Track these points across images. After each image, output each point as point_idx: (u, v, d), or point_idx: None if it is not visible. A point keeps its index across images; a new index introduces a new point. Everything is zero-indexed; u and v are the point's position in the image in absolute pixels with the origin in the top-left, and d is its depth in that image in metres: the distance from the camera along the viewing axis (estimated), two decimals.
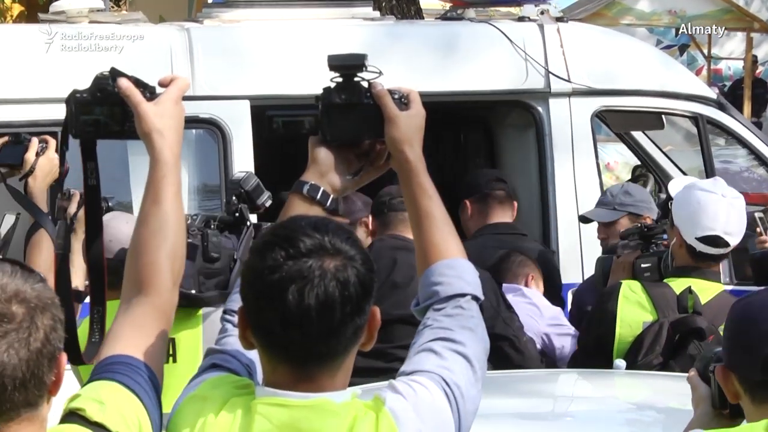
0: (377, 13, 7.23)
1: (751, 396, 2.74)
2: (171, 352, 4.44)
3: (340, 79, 2.80)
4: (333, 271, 2.39)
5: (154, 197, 2.64)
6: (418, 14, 9.93)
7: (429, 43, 6.82)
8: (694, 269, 4.59)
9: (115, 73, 2.69)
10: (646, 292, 4.55)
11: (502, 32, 6.67)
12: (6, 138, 4.04)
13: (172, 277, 2.63)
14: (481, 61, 6.67)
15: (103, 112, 2.71)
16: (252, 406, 2.43)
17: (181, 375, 4.64)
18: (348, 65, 2.81)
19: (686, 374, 3.98)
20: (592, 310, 4.71)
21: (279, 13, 6.74)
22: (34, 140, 3.99)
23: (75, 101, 2.73)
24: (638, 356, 4.44)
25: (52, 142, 3.94)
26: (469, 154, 7.66)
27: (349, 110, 2.80)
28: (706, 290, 4.54)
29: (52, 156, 3.95)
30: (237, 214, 4.62)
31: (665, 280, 4.61)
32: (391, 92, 2.77)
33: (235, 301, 2.67)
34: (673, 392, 4.04)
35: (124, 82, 2.67)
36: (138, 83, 2.67)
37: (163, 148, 2.65)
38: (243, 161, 6.24)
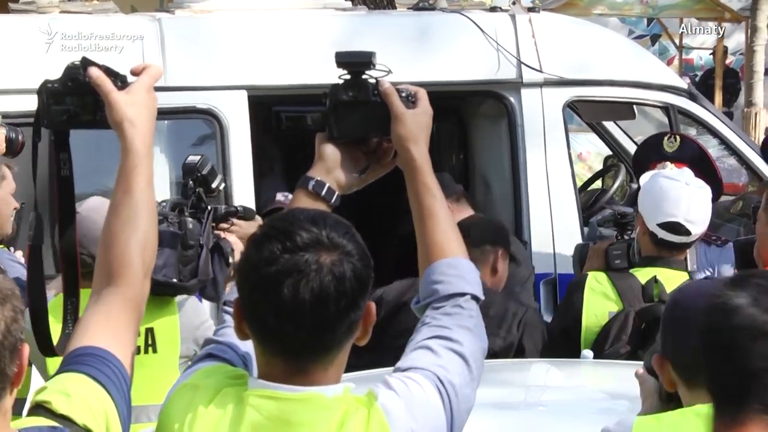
0: (349, 4, 7.25)
1: (684, 382, 2.78)
2: (150, 342, 4.43)
3: (347, 76, 2.79)
4: (329, 265, 2.39)
5: (125, 187, 2.63)
6: (391, 4, 9.92)
7: (401, 34, 6.82)
8: (659, 259, 4.64)
9: (86, 63, 2.68)
10: (611, 282, 4.59)
11: (473, 22, 6.68)
12: None
13: (143, 268, 2.62)
14: (453, 51, 6.68)
15: (75, 102, 2.70)
16: (244, 398, 2.43)
17: (162, 364, 4.66)
18: (356, 62, 2.81)
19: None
20: (561, 302, 4.73)
21: (251, 3, 6.74)
22: None
23: (46, 91, 2.72)
24: (605, 346, 4.47)
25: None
26: (442, 144, 7.65)
27: (356, 107, 2.80)
28: (671, 279, 4.57)
29: None
30: (194, 198, 4.66)
31: (631, 271, 4.65)
32: (398, 90, 2.77)
33: (234, 293, 2.65)
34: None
35: (94, 71, 2.66)
36: (109, 72, 2.66)
37: (134, 137, 2.64)
38: (235, 150, 6.31)
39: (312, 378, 2.42)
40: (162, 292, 4.20)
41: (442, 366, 2.54)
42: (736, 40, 18.79)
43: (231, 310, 2.66)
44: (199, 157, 4.72)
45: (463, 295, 2.66)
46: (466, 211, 6.16)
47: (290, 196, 5.42)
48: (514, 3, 7.07)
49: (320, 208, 2.73)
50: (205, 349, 2.66)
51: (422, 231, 2.77)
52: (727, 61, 18.89)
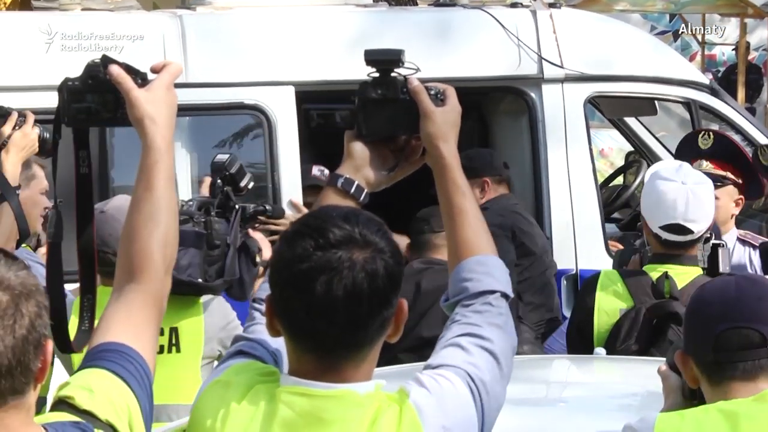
0: (370, 0, 7.22)
1: (707, 378, 2.78)
2: (174, 342, 4.42)
3: (376, 74, 2.79)
4: (362, 262, 2.38)
5: (146, 184, 2.64)
6: (412, 1, 9.92)
7: (422, 30, 6.81)
8: (670, 256, 4.62)
9: (106, 60, 2.68)
10: (622, 280, 4.59)
11: (495, 18, 6.67)
12: None
13: (164, 264, 2.62)
14: (473, 47, 6.67)
15: (95, 100, 2.71)
16: (276, 394, 2.43)
17: (185, 364, 4.66)
18: (385, 60, 2.81)
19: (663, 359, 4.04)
20: (575, 301, 4.73)
21: (272, 0, 6.74)
22: (14, 114, 3.99)
23: (67, 89, 2.73)
24: (617, 343, 4.47)
25: (31, 118, 3.93)
26: (463, 140, 7.59)
27: (385, 105, 2.80)
28: (682, 275, 4.57)
29: (28, 131, 3.94)
30: (222, 197, 4.61)
31: (644, 268, 4.64)
32: (427, 88, 2.77)
33: (265, 290, 2.67)
34: (657, 376, 4.09)
35: (115, 69, 2.66)
36: (129, 70, 2.67)
37: (155, 134, 2.65)
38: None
39: (344, 375, 2.43)
40: (186, 292, 4.19)
41: (473, 363, 2.54)
42: (758, 35, 18.71)
43: (260, 307, 2.66)
44: (227, 155, 4.68)
45: (492, 292, 2.65)
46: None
47: (326, 171, 5.42)
48: None
49: (349, 206, 2.74)
50: (235, 346, 2.65)
51: (452, 228, 2.76)
52: (750, 57, 18.80)
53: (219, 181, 4.58)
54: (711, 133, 5.98)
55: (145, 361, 2.49)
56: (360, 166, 2.81)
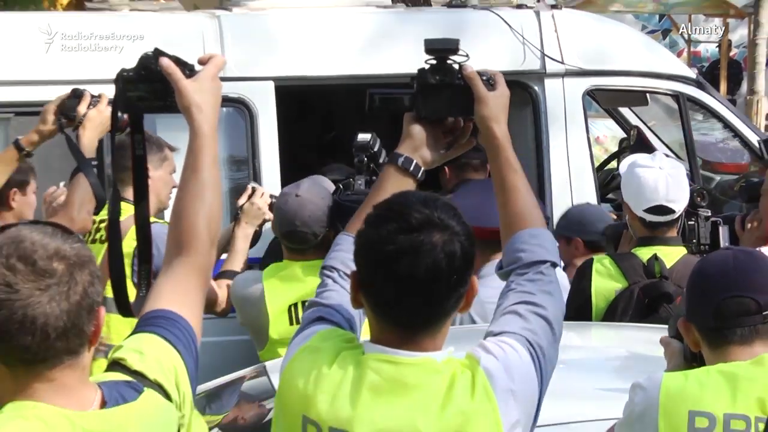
0: (389, 1, 7.21)
1: (707, 342, 2.79)
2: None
3: (433, 61, 2.77)
4: (441, 244, 2.38)
5: (193, 166, 2.64)
6: (426, 2, 9.90)
7: (436, 28, 6.74)
8: (655, 238, 4.59)
9: (158, 53, 2.69)
10: (615, 263, 4.57)
11: (502, 18, 6.64)
12: (68, 92, 4.04)
13: (209, 238, 2.63)
14: (482, 44, 6.62)
15: (147, 89, 2.72)
16: (363, 361, 2.43)
17: None
18: (443, 49, 2.79)
19: (659, 325, 4.05)
20: (571, 284, 4.70)
21: (301, 1, 6.73)
22: (87, 94, 3.98)
23: (122, 79, 2.74)
24: (613, 320, 4.45)
25: (105, 98, 3.93)
26: (474, 128, 7.62)
27: (442, 90, 2.78)
28: (669, 255, 4.54)
29: (102, 109, 3.93)
30: (368, 174, 4.55)
31: (633, 251, 4.62)
32: (479, 74, 2.76)
33: (334, 259, 2.71)
34: (651, 342, 4.08)
35: (165, 61, 2.67)
36: (179, 62, 2.67)
37: (201, 121, 2.65)
38: (268, 136, 6.26)
39: (422, 345, 2.43)
40: None
41: (531, 330, 2.53)
42: (739, 34, 18.62)
43: (331, 274, 2.69)
44: (369, 135, 4.57)
45: (544, 262, 2.64)
46: None
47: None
48: (538, 0, 7.04)
49: (407, 182, 2.76)
50: (313, 311, 2.64)
51: (505, 203, 2.74)
52: (731, 54, 18.72)
53: (365, 158, 4.48)
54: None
55: (192, 326, 2.50)
56: (418, 146, 2.79)
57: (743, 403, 2.63)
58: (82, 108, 3.93)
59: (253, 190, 5.00)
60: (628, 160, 4.99)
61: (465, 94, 2.75)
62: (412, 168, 2.77)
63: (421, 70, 2.79)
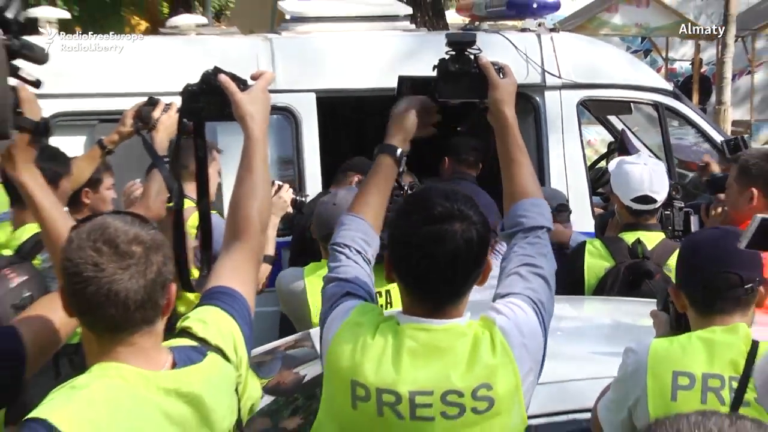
0: (413, 26, 7.19)
1: (695, 309, 2.77)
2: (389, 301, 4.26)
3: (453, 53, 2.75)
4: (461, 232, 2.38)
5: (247, 166, 2.64)
6: (445, 27, 9.85)
7: None
8: (638, 224, 4.56)
9: (217, 70, 2.68)
10: (604, 245, 4.55)
11: (508, 40, 6.60)
12: (144, 100, 4.04)
13: (260, 226, 2.63)
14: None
15: (207, 101, 2.71)
16: (400, 330, 2.43)
17: None
18: (463, 42, 2.77)
19: (641, 299, 4.02)
20: (567, 263, 4.68)
21: (340, 27, 6.70)
22: (161, 102, 3.99)
23: (186, 92, 2.73)
24: (602, 294, 4.45)
25: (174, 105, 3.92)
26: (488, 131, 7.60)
27: (460, 77, 2.75)
28: (650, 239, 4.52)
29: (172, 114, 3.93)
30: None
31: (619, 235, 4.59)
32: (493, 64, 2.74)
33: (343, 237, 2.68)
34: (635, 312, 4.05)
35: (223, 77, 2.67)
36: (234, 78, 2.67)
37: (253, 128, 2.64)
38: (310, 140, 6.24)
39: (448, 314, 2.43)
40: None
41: (532, 289, 2.54)
42: (709, 53, 18.44)
43: (343, 250, 2.66)
44: None
45: (541, 227, 2.64)
46: None
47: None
48: (539, 25, 6.98)
49: (395, 169, 2.75)
50: (337, 286, 2.60)
51: (509, 175, 2.72)
52: (702, 70, 18.56)
53: None
54: None
55: (247, 300, 2.51)
56: (407, 138, 2.78)
57: (719, 365, 2.61)
58: (156, 113, 3.93)
59: (279, 186, 4.96)
60: (617, 159, 4.95)
61: (480, 81, 2.73)
62: (400, 157, 2.75)
63: (442, 60, 2.77)
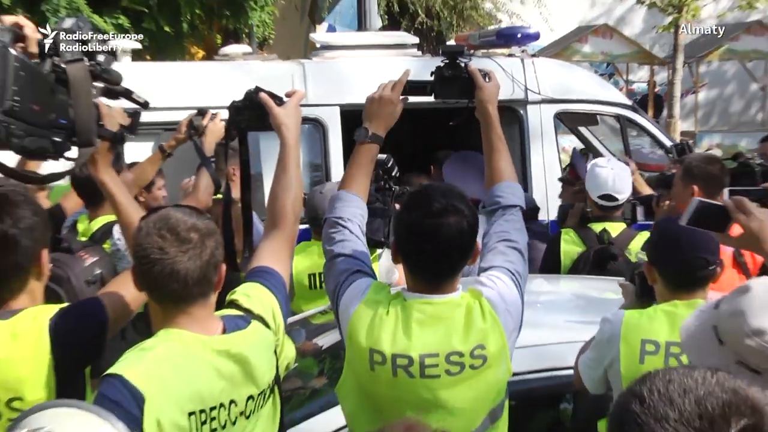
0: (420, 53, 7.16)
1: (665, 285, 2.73)
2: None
3: (447, 61, 2.73)
4: (455, 225, 2.34)
5: (283, 167, 2.62)
6: None
7: None
8: (605, 217, 4.51)
9: (258, 89, 2.66)
10: (576, 234, 4.50)
11: (498, 63, 6.55)
12: (194, 112, 4.01)
13: (294, 217, 2.61)
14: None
15: (250, 114, 2.69)
16: (408, 305, 2.39)
17: None
18: (454, 51, 2.75)
19: (607, 277, 3.99)
20: (545, 251, 4.63)
21: (359, 54, 6.69)
22: (209, 112, 3.98)
23: (233, 107, 2.71)
24: (576, 273, 4.43)
25: (219, 115, 3.90)
26: (476, 137, 7.57)
27: (453, 81, 2.73)
28: (614, 228, 4.47)
29: (217, 122, 3.91)
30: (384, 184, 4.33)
31: (589, 225, 4.54)
32: (480, 71, 2.72)
33: (342, 211, 2.59)
34: (602, 288, 4.01)
35: (263, 95, 2.65)
36: (272, 95, 2.65)
37: (288, 136, 2.62)
38: (335, 146, 6.23)
39: (446, 289, 2.40)
40: (375, 246, 3.94)
41: (510, 261, 2.49)
42: (661, 76, 18.31)
43: (345, 224, 2.57)
44: (385, 155, 4.36)
45: (516, 206, 2.60)
46: None
47: None
48: (523, 51, 6.96)
49: (377, 147, 2.68)
50: (345, 262, 2.53)
51: (490, 161, 2.68)
52: (656, 90, 18.45)
53: (380, 171, 4.28)
54: None
55: (283, 277, 2.49)
56: (388, 125, 2.72)
57: (679, 334, 2.58)
58: (204, 122, 3.91)
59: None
60: (593, 161, 4.90)
61: (469, 84, 2.70)
62: (378, 140, 2.69)
63: (438, 67, 2.75)
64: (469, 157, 6.47)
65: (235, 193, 3.07)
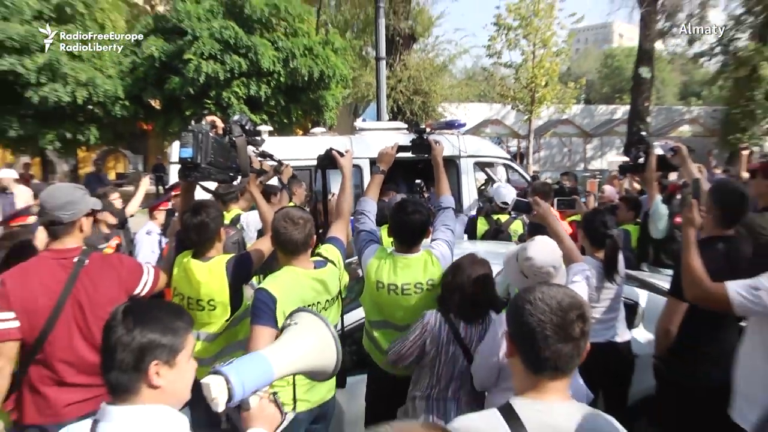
0: (407, 131, 7.03)
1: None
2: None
3: (418, 135, 2.68)
4: (419, 218, 2.28)
5: (342, 189, 2.54)
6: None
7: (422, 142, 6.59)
8: (500, 212, 4.37)
9: (330, 149, 2.59)
10: (485, 220, 4.34)
11: (446, 137, 6.42)
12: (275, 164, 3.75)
13: (347, 213, 2.54)
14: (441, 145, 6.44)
15: (326, 162, 2.63)
16: (395, 259, 2.31)
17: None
18: (422, 131, 2.69)
19: (499, 242, 3.81)
20: (466, 228, 4.44)
21: (379, 132, 6.55)
22: (286, 164, 3.74)
23: (318, 158, 2.64)
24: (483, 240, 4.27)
25: (289, 168, 3.75)
26: (432, 177, 7.44)
27: (420, 145, 2.67)
28: (503, 218, 4.32)
29: (289, 169, 3.71)
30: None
31: (491, 215, 4.39)
32: (434, 140, 2.65)
33: (365, 209, 2.46)
34: (496, 248, 3.74)
35: (333, 152, 2.58)
36: (337, 152, 2.57)
37: (345, 173, 2.54)
38: (367, 179, 6.06)
39: (414, 250, 2.32)
40: (383, 224, 3.58)
41: (447, 236, 2.40)
42: (523, 144, 18.05)
43: (367, 214, 2.47)
44: (420, 181, 4.13)
45: (450, 207, 2.50)
46: None
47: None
48: (458, 131, 6.85)
49: (381, 178, 2.56)
50: (367, 235, 2.42)
51: (438, 186, 2.58)
52: (520, 150, 18.20)
53: (417, 188, 4.04)
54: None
55: (343, 242, 2.41)
56: (389, 162, 2.62)
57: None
58: (285, 174, 3.69)
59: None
60: (496, 185, 4.79)
61: (429, 147, 2.64)
62: (383, 173, 2.61)
63: (413, 139, 2.71)
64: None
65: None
